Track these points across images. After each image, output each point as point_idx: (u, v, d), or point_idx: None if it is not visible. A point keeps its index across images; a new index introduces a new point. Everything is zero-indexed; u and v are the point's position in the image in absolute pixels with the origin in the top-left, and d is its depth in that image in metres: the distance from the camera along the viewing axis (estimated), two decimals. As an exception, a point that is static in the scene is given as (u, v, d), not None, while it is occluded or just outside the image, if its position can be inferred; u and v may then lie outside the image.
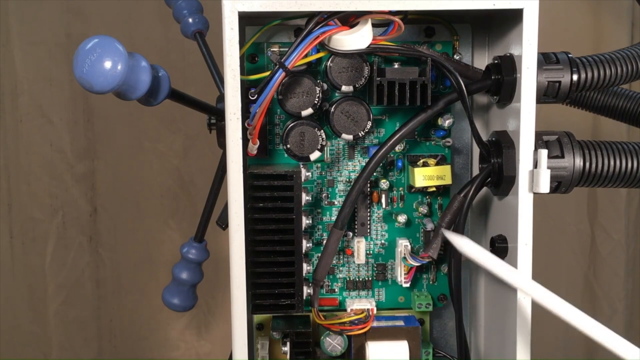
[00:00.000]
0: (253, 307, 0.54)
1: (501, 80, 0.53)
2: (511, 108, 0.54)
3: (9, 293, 1.00)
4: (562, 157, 0.53)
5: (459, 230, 0.56)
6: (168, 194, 1.01)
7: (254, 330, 0.62)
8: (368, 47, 0.52)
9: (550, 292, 0.49)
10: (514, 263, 0.53)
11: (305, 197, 0.54)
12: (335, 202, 0.61)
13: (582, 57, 0.54)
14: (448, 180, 0.58)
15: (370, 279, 0.62)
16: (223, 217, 0.62)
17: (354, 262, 0.61)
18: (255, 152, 0.54)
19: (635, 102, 0.65)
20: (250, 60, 0.59)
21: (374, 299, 0.62)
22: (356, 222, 0.60)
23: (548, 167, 0.51)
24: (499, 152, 0.53)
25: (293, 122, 0.55)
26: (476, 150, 0.59)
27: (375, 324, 0.58)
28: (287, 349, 0.58)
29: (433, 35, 0.59)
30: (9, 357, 1.02)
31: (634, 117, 0.65)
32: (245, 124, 0.52)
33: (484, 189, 0.57)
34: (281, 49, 0.58)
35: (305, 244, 0.55)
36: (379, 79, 0.53)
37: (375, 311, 0.59)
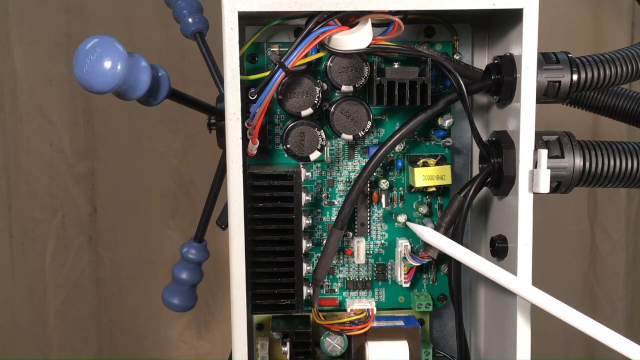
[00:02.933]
0: (253, 307, 0.54)
1: (501, 80, 0.53)
2: (511, 108, 0.54)
3: (9, 293, 1.00)
4: (562, 157, 0.53)
5: (459, 230, 0.56)
6: (168, 194, 1.01)
7: (254, 330, 0.62)
8: (368, 47, 0.52)
9: (506, 272, 0.50)
10: (514, 263, 0.53)
11: (305, 197, 0.54)
12: (335, 202, 0.61)
13: (582, 57, 0.54)
14: (448, 180, 0.58)
15: (370, 279, 0.62)
16: (223, 217, 0.62)
17: (354, 262, 0.61)
18: (255, 152, 0.54)
19: (635, 102, 0.65)
20: (250, 60, 0.59)
21: (374, 299, 0.62)
22: (356, 222, 0.60)
23: (548, 167, 0.51)
24: (499, 152, 0.53)
25: (293, 122, 0.55)
26: (476, 150, 0.59)
27: (375, 324, 0.58)
28: (287, 349, 0.58)
29: (433, 35, 0.59)
30: (9, 357, 1.02)
31: (634, 117, 0.65)
32: (245, 124, 0.52)
33: (484, 189, 0.57)
34: (281, 49, 0.58)
35: (305, 244, 0.55)
36: (379, 79, 0.53)
37: (375, 311, 0.59)
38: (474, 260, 0.53)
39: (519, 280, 0.51)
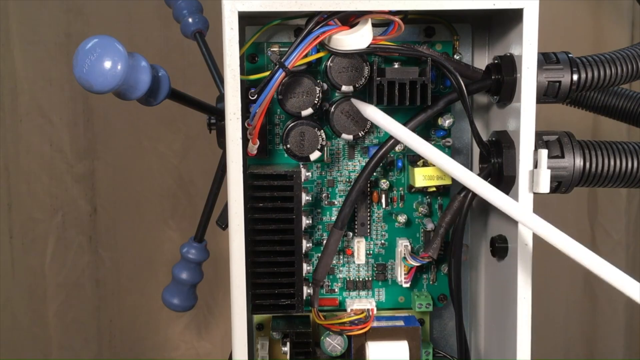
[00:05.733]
0: (253, 307, 0.54)
1: (501, 80, 0.53)
2: (511, 108, 0.54)
3: (9, 293, 1.00)
4: (562, 157, 0.53)
5: (459, 230, 0.56)
6: (168, 194, 1.01)
7: (254, 330, 0.62)
8: (368, 47, 0.52)
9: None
10: (514, 263, 0.53)
11: (305, 197, 0.54)
12: (335, 202, 0.61)
13: (582, 57, 0.54)
14: (448, 180, 0.58)
15: (370, 279, 0.62)
16: (223, 217, 0.62)
17: (354, 262, 0.61)
18: (255, 152, 0.54)
19: (635, 102, 0.65)
20: (250, 60, 0.59)
21: (374, 299, 0.62)
22: (356, 222, 0.60)
23: (548, 167, 0.51)
24: (499, 152, 0.53)
25: (293, 122, 0.55)
26: (476, 150, 0.59)
27: (375, 324, 0.58)
28: (287, 349, 0.58)
29: (433, 35, 0.59)
30: (9, 357, 1.02)
31: (634, 117, 0.65)
32: (245, 124, 0.52)
33: (484, 189, 0.57)
34: (281, 49, 0.58)
35: (305, 244, 0.55)
36: (379, 79, 0.53)
37: (375, 311, 0.59)
38: (415, 142, 0.51)
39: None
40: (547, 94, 0.53)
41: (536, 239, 0.52)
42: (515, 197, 0.52)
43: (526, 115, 0.51)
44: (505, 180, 0.53)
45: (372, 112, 0.53)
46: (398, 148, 0.59)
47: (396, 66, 0.56)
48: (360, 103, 0.54)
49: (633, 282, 0.46)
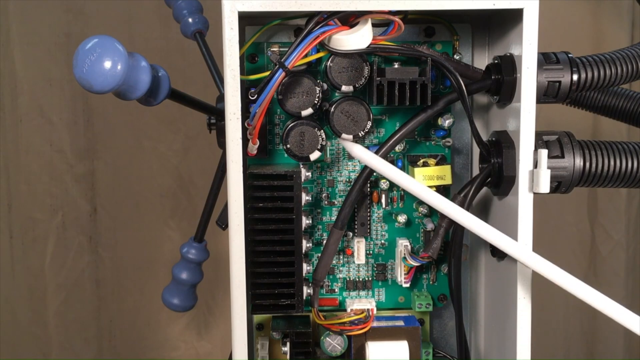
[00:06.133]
0: (253, 307, 0.54)
1: (501, 80, 0.53)
2: (511, 108, 0.54)
3: (9, 293, 1.00)
4: (562, 157, 0.53)
5: (459, 230, 0.56)
6: (168, 194, 1.01)
7: (254, 330, 0.62)
8: (368, 47, 0.52)
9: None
10: (514, 263, 0.53)
11: (305, 197, 0.54)
12: (335, 202, 0.61)
13: (582, 57, 0.54)
14: (448, 180, 0.58)
15: (370, 279, 0.62)
16: (223, 217, 0.62)
17: (354, 262, 0.61)
18: (255, 152, 0.54)
19: (635, 102, 0.65)
20: (250, 60, 0.59)
21: (374, 299, 0.62)
22: (356, 222, 0.60)
23: (548, 167, 0.51)
24: (499, 152, 0.53)
25: (293, 122, 0.55)
26: (476, 150, 0.59)
27: (375, 324, 0.58)
28: (287, 349, 0.58)
29: (433, 35, 0.59)
30: (9, 357, 1.02)
31: (634, 117, 0.65)
32: (245, 124, 0.52)
33: (484, 189, 0.57)
34: (281, 49, 0.58)
35: (305, 244, 0.55)
36: (379, 79, 0.53)
37: (375, 311, 0.59)
38: (404, 179, 0.52)
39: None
40: (547, 94, 0.53)
41: (536, 239, 0.52)
42: (516, 197, 0.52)
43: (526, 115, 0.51)
44: (505, 180, 0.53)
45: (359, 152, 0.54)
46: (398, 148, 0.59)
47: (396, 66, 0.56)
48: (348, 144, 0.55)
49: (633, 316, 0.47)
